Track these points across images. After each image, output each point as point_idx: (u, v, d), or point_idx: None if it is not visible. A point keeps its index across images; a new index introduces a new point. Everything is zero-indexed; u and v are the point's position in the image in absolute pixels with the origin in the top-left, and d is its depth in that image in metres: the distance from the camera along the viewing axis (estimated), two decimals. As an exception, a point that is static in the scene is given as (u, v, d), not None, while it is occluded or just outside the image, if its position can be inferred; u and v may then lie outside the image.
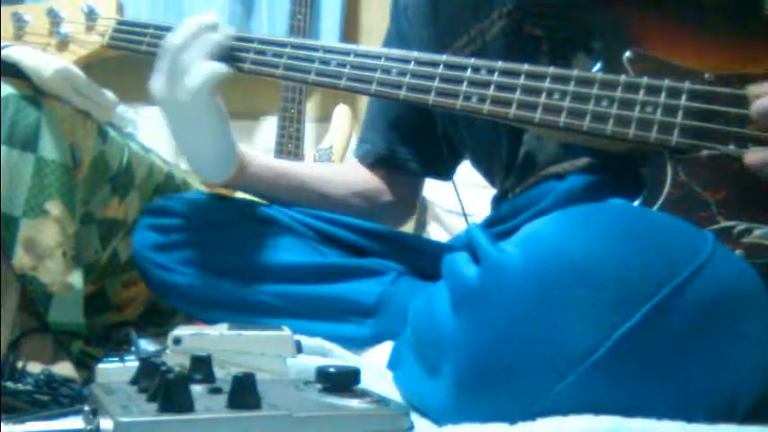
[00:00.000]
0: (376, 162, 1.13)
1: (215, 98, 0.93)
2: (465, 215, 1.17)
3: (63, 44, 1.05)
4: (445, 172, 1.15)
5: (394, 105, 1.10)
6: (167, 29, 0.99)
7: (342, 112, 2.24)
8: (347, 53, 0.90)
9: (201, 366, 0.58)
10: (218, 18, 0.95)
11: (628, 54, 0.80)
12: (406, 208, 1.18)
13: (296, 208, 1.06)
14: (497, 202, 1.05)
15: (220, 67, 0.92)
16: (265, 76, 0.95)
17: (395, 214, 1.16)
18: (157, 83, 0.93)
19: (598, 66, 0.83)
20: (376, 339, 0.94)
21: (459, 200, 1.16)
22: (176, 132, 0.96)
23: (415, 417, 0.61)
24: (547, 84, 0.81)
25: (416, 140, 1.11)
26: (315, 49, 0.92)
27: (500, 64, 0.83)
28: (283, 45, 0.94)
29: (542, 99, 0.81)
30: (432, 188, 1.46)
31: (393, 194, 1.14)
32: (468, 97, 0.84)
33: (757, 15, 0.80)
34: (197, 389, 0.54)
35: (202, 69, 0.91)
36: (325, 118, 2.35)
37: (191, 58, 0.91)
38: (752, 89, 0.75)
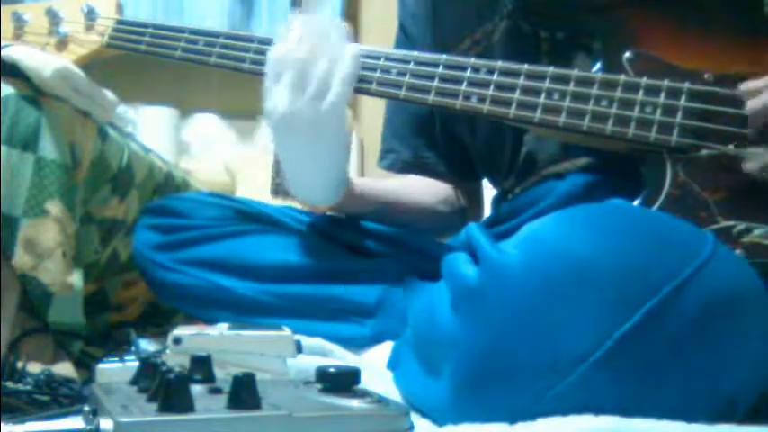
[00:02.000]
0: (403, 169, 1.12)
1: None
2: (465, 215, 1.17)
3: (62, 44, 1.05)
4: (472, 173, 1.13)
5: (415, 111, 1.09)
6: (167, 28, 0.98)
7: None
8: (347, 53, 0.90)
9: (201, 366, 0.58)
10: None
11: (627, 54, 0.80)
12: (474, 211, 1.15)
13: (297, 209, 1.06)
14: (498, 202, 1.05)
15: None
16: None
17: (466, 219, 1.13)
18: (284, 99, 0.85)
19: (598, 66, 0.83)
20: (376, 339, 0.94)
21: (458, 200, 1.16)
22: (300, 153, 0.89)
23: (415, 417, 0.61)
24: (547, 84, 0.81)
25: (440, 144, 1.10)
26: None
27: (500, 64, 0.83)
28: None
29: (542, 99, 0.81)
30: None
31: (465, 199, 1.12)
32: (467, 97, 0.84)
33: (757, 15, 0.80)
34: (197, 389, 0.54)
35: (345, 84, 0.86)
36: (324, 118, 2.35)
37: (333, 72, 0.86)
38: (745, 86, 0.75)
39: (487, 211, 1.06)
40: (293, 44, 0.87)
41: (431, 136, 1.11)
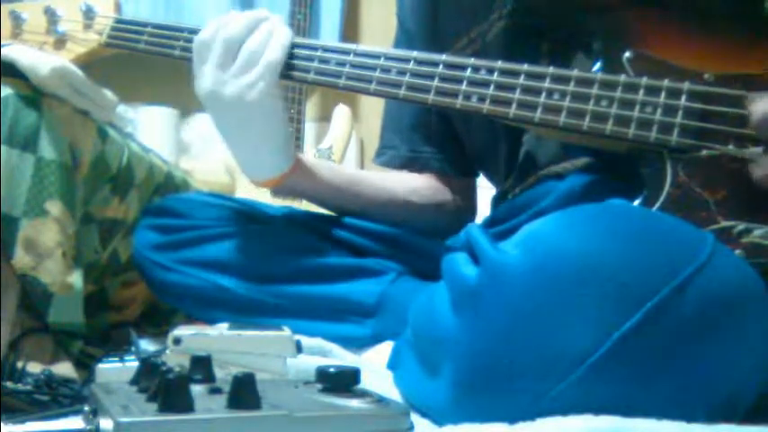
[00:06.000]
0: (400, 165, 1.12)
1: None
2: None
3: (60, 42, 1.05)
4: (469, 169, 1.13)
5: (413, 107, 1.09)
6: (165, 27, 0.98)
7: (342, 112, 2.24)
8: (347, 52, 0.90)
9: (201, 366, 0.58)
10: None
11: (627, 54, 0.80)
12: (465, 207, 1.13)
13: (297, 209, 1.06)
14: (497, 202, 1.04)
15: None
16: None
17: (455, 214, 1.12)
18: (209, 76, 0.89)
19: (598, 66, 0.83)
20: (376, 339, 0.94)
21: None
22: (232, 131, 0.92)
23: (415, 417, 0.61)
24: (546, 84, 0.81)
25: (438, 140, 1.10)
26: (314, 48, 0.92)
27: (500, 64, 0.83)
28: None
29: (542, 99, 0.81)
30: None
31: (450, 194, 1.12)
32: (467, 97, 0.84)
33: (757, 16, 0.80)
34: (197, 389, 0.54)
35: (272, 70, 0.88)
36: (325, 118, 2.35)
37: (256, 46, 0.88)
38: (753, 107, 0.75)
39: (487, 211, 1.06)
40: (218, 27, 0.90)
41: (429, 132, 1.10)
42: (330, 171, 1.02)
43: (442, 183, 1.11)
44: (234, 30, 0.89)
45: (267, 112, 0.90)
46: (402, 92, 0.87)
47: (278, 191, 1.00)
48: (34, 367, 0.82)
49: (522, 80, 0.82)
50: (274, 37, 0.90)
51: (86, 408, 0.56)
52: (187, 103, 2.33)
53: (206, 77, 0.89)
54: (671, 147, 0.77)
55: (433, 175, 1.11)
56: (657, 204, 0.76)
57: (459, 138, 1.08)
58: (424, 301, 0.72)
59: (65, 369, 0.86)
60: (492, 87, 0.83)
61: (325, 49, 0.92)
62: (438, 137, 1.10)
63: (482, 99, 0.83)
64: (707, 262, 0.59)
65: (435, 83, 0.85)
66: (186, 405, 0.50)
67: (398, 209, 1.05)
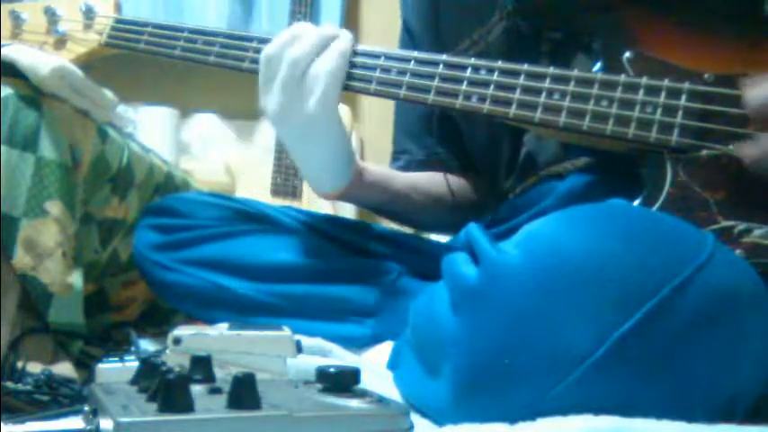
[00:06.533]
0: (419, 169, 1.12)
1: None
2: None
3: (60, 42, 1.05)
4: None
5: (424, 110, 1.09)
6: (165, 27, 0.98)
7: (342, 112, 2.23)
8: (347, 53, 0.90)
9: (201, 366, 0.58)
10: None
11: (628, 54, 0.80)
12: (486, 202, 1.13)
13: (296, 209, 1.06)
14: (497, 201, 1.04)
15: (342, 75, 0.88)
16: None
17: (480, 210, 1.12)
18: (275, 98, 0.88)
19: (598, 66, 0.83)
20: (376, 339, 0.94)
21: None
22: (299, 148, 0.92)
23: (415, 417, 0.61)
24: (547, 83, 0.81)
25: (451, 141, 1.10)
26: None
27: (500, 63, 0.83)
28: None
29: (542, 99, 0.81)
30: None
31: (473, 191, 1.12)
32: (467, 97, 0.84)
33: (757, 16, 0.80)
34: (197, 389, 0.54)
35: (332, 79, 0.87)
36: (324, 118, 2.34)
37: (319, 69, 0.87)
38: (745, 81, 0.75)
39: (487, 210, 1.06)
40: (286, 43, 0.88)
41: (442, 134, 1.11)
42: (383, 181, 1.02)
43: (467, 181, 1.11)
44: (301, 51, 0.88)
45: (329, 130, 0.91)
46: (402, 92, 0.87)
47: (340, 200, 1.01)
48: (34, 367, 0.82)
49: (522, 80, 0.82)
50: (329, 56, 0.88)
51: (86, 408, 0.56)
52: (187, 103, 2.33)
53: (272, 99, 0.89)
54: (671, 147, 0.77)
55: (453, 174, 1.11)
56: (657, 204, 0.76)
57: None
58: (424, 301, 0.72)
59: (65, 369, 0.86)
60: (492, 87, 0.83)
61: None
62: (450, 139, 1.10)
63: (482, 99, 0.83)
64: (707, 262, 0.59)
65: (435, 83, 0.85)
66: (186, 405, 0.50)
67: (444, 212, 1.06)
